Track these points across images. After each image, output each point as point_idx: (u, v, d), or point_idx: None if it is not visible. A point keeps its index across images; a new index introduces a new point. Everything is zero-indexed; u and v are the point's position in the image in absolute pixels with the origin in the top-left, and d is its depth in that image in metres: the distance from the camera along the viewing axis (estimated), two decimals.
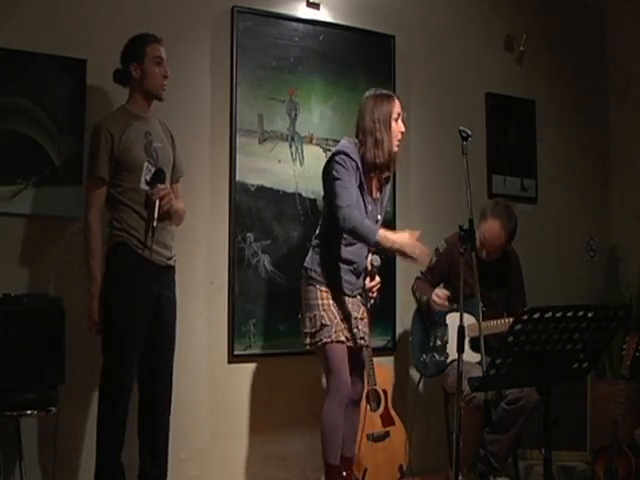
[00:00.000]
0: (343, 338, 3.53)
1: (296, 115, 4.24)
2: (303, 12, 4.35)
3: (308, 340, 3.57)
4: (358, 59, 4.48)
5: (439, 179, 4.77)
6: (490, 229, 3.94)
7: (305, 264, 3.63)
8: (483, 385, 2.83)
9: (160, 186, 3.38)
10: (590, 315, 2.62)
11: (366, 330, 3.66)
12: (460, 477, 3.21)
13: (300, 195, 4.13)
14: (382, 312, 4.45)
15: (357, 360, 3.66)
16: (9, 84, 3.53)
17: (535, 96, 5.22)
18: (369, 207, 3.61)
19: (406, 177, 4.66)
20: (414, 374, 4.37)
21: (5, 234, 3.52)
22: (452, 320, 3.96)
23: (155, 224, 3.32)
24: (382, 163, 3.58)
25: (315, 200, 4.27)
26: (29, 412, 3.22)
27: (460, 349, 3.04)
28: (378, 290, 3.72)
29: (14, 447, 3.33)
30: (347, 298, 3.61)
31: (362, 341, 3.62)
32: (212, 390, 3.98)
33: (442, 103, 4.83)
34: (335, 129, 4.38)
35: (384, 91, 3.68)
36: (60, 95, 3.63)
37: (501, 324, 3.82)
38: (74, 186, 3.62)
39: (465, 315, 3.14)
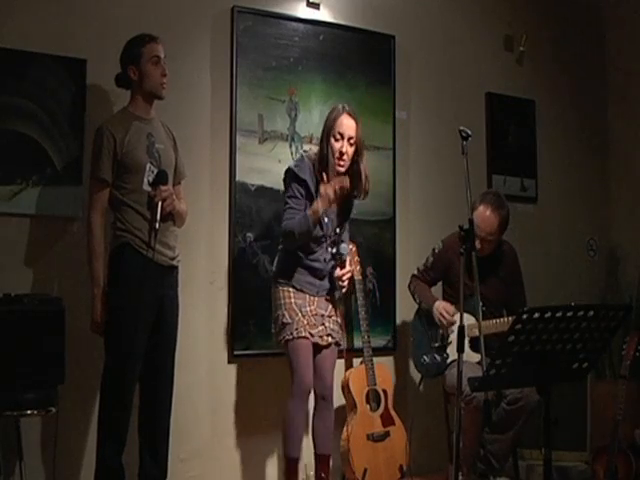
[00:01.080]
0: (305, 334, 3.56)
1: (296, 115, 4.24)
2: (303, 12, 4.35)
3: (274, 340, 3.67)
4: (358, 59, 4.48)
5: (439, 179, 4.77)
6: (481, 215, 3.89)
7: (273, 268, 3.71)
8: (483, 385, 2.83)
9: (162, 187, 3.38)
10: (590, 315, 2.62)
11: (335, 327, 3.67)
12: (460, 477, 3.21)
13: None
14: (382, 312, 4.46)
15: (325, 356, 3.66)
16: (9, 84, 3.53)
17: (535, 96, 5.22)
18: (325, 219, 3.59)
19: (406, 177, 4.66)
20: (414, 374, 4.37)
21: (5, 234, 3.52)
22: None
23: (158, 225, 3.33)
24: (321, 177, 3.55)
25: None
26: (29, 412, 3.22)
27: (460, 349, 3.04)
28: (349, 279, 3.71)
29: (14, 447, 3.32)
30: (314, 298, 3.63)
31: (329, 338, 3.64)
32: (212, 390, 3.98)
33: (442, 103, 4.83)
34: None
35: (340, 106, 3.62)
36: (60, 95, 3.63)
37: (501, 324, 3.81)
38: (74, 186, 3.63)
39: (465, 315, 3.15)
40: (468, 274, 3.36)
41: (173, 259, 3.50)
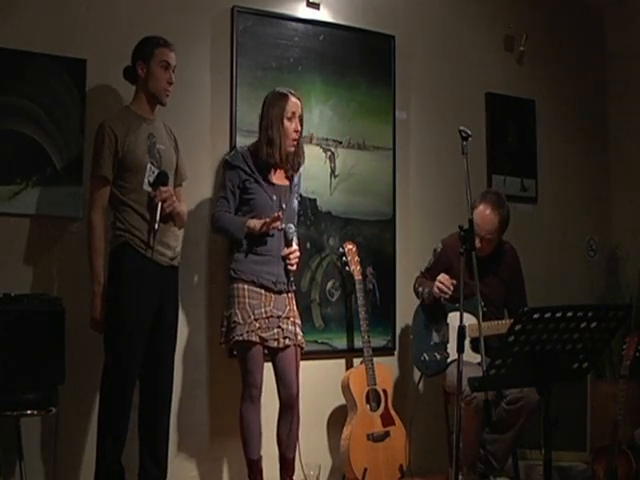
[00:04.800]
0: (255, 338, 3.54)
1: None
2: (303, 12, 4.35)
3: (222, 339, 3.64)
4: (358, 59, 4.48)
5: (439, 179, 4.76)
6: (481, 214, 3.89)
7: (229, 262, 3.69)
8: (483, 385, 2.83)
9: (163, 188, 3.39)
10: (590, 315, 2.62)
11: (294, 329, 3.64)
12: (460, 477, 3.22)
13: (300, 195, 4.12)
14: (382, 312, 4.46)
15: (285, 360, 3.63)
16: (9, 84, 3.53)
17: (535, 96, 5.22)
18: (273, 196, 3.66)
19: (406, 177, 4.66)
20: (414, 374, 4.37)
21: (5, 234, 3.52)
22: (453, 320, 3.96)
23: (157, 226, 3.33)
24: (276, 162, 3.65)
25: (315, 200, 4.27)
26: (29, 412, 3.22)
27: (460, 349, 3.04)
28: (298, 258, 3.68)
29: (14, 447, 3.32)
30: (271, 295, 3.61)
31: (286, 340, 3.60)
32: (212, 389, 3.98)
33: (442, 103, 4.83)
34: (335, 129, 4.38)
35: (282, 90, 3.72)
36: (60, 95, 3.63)
37: (501, 325, 3.81)
38: (74, 186, 3.62)
39: (465, 315, 3.15)
40: (469, 274, 3.37)
41: (173, 259, 3.50)
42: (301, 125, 3.71)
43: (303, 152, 3.80)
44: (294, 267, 3.66)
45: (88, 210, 3.41)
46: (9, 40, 3.53)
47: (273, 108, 3.66)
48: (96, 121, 3.47)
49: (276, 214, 3.52)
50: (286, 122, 3.64)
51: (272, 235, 3.62)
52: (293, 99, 3.68)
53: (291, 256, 3.65)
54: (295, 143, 3.69)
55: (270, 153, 3.64)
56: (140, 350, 3.36)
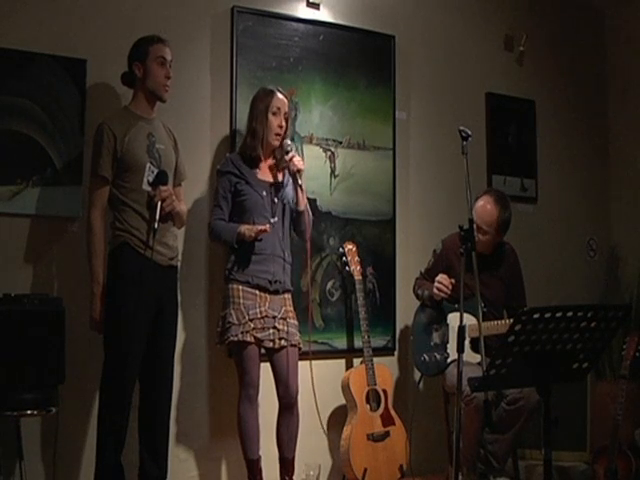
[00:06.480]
0: (250, 339, 3.55)
1: (296, 115, 4.24)
2: (303, 12, 4.35)
3: (217, 339, 3.65)
4: (358, 59, 4.48)
5: (439, 179, 4.77)
6: (481, 206, 3.91)
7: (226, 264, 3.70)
8: (483, 385, 2.83)
9: (162, 187, 3.39)
10: (590, 315, 2.62)
11: (289, 329, 3.64)
12: (460, 477, 3.22)
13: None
14: (382, 312, 4.46)
15: (282, 360, 3.62)
16: (9, 84, 3.52)
17: (535, 96, 5.22)
18: (263, 192, 3.68)
19: (406, 177, 4.66)
20: (414, 374, 4.37)
21: (5, 234, 3.52)
22: (453, 320, 3.96)
23: (157, 225, 3.33)
24: (258, 154, 3.69)
25: (315, 200, 4.27)
26: (29, 412, 3.22)
27: (460, 349, 3.04)
28: (299, 161, 3.69)
29: (14, 447, 3.32)
30: (266, 295, 3.62)
31: (282, 341, 3.60)
32: (212, 389, 3.98)
33: (442, 103, 4.83)
34: (335, 129, 4.38)
35: (270, 87, 3.78)
36: (60, 95, 3.63)
37: (501, 325, 3.81)
38: (74, 186, 3.62)
39: (465, 315, 3.14)
40: (469, 274, 3.36)
41: (172, 259, 3.50)
42: (286, 123, 3.73)
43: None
44: (298, 165, 3.67)
45: (87, 210, 3.41)
46: (9, 40, 3.53)
47: (259, 103, 3.72)
48: (96, 121, 3.47)
49: (262, 227, 3.52)
50: (270, 116, 3.68)
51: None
52: (280, 95, 3.72)
53: (295, 160, 3.68)
54: (279, 138, 3.72)
55: (253, 145, 3.68)
56: (140, 350, 3.36)
